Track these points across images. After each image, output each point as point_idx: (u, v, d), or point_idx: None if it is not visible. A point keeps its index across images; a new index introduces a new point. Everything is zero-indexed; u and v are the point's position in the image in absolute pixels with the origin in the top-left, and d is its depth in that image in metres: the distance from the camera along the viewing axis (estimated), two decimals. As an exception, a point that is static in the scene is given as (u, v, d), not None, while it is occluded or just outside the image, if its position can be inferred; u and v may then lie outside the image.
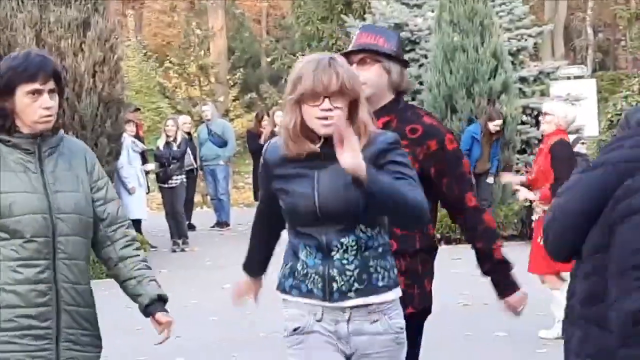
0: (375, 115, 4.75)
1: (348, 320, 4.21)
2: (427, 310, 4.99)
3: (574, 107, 11.10)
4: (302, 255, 4.23)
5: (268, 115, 19.90)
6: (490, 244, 4.94)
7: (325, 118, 4.04)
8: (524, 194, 10.29)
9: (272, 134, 18.13)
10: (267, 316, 11.15)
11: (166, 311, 4.63)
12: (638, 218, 2.60)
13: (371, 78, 4.86)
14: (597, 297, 2.72)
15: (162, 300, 4.62)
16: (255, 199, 19.73)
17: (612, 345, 2.64)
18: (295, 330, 4.27)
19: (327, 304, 4.20)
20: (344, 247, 4.17)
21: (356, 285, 4.17)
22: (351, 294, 4.18)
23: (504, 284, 5.00)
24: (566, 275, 9.59)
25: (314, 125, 4.09)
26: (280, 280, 4.36)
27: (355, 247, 4.17)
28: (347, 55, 4.93)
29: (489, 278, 5.07)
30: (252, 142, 19.61)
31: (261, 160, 4.43)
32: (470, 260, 4.93)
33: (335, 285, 4.17)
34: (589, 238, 2.79)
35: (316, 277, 4.19)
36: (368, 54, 4.89)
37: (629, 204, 2.64)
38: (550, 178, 9.50)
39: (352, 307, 4.19)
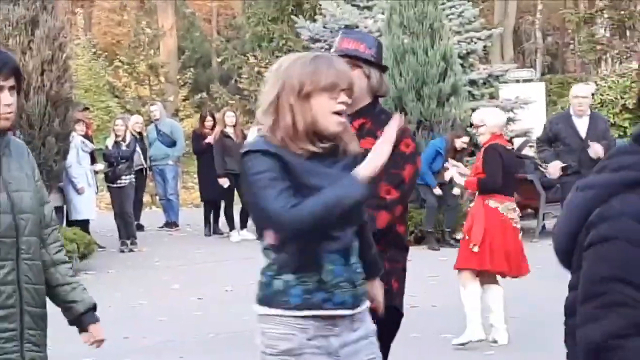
0: (352, 117, 4.84)
1: (337, 335, 4.10)
2: (394, 309, 5.05)
3: (501, 110, 11.17)
4: (326, 263, 4.02)
5: (212, 116, 19.80)
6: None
7: (340, 114, 3.98)
8: (452, 172, 10.49)
9: (222, 134, 18.14)
10: (215, 317, 11.16)
11: (98, 321, 4.60)
12: (600, 247, 2.61)
13: None
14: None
15: (95, 309, 4.60)
16: (202, 199, 19.70)
17: None
18: (284, 350, 4.07)
19: (350, 312, 4.09)
20: (354, 251, 4.13)
21: (363, 288, 4.17)
22: (363, 298, 4.17)
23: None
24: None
25: (327, 121, 3.98)
26: (302, 297, 4.02)
27: (357, 250, 4.15)
28: None
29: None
30: (196, 142, 19.52)
31: (265, 155, 3.99)
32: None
33: (358, 292, 4.11)
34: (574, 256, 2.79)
35: (346, 284, 4.06)
36: (350, 59, 4.93)
37: (594, 234, 2.65)
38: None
39: (345, 316, 4.10)
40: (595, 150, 12.19)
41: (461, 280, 9.51)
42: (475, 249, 9.37)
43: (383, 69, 5.17)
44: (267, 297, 4.10)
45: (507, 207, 9.69)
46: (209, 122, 19.42)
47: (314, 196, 3.86)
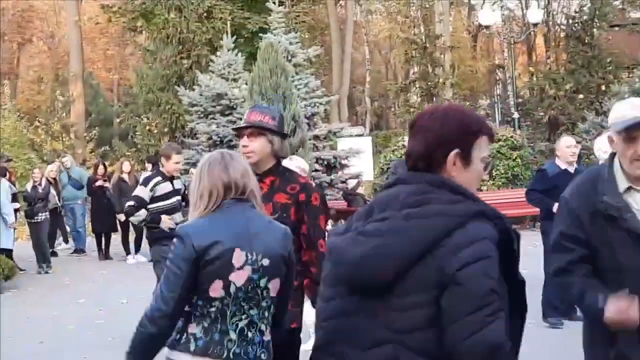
0: (263, 176, 4.91)
1: None
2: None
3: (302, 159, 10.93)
4: None
5: (104, 165, 19.71)
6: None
7: None
8: None
9: (120, 179, 17.99)
10: (114, 325, 10.95)
11: None
12: (476, 266, 2.58)
13: (258, 148, 4.95)
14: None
15: None
16: (93, 231, 19.41)
17: None
18: None
19: None
20: None
21: None
22: None
23: None
24: None
25: None
26: None
27: None
28: (240, 129, 5.06)
29: None
30: (89, 186, 19.21)
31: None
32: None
33: None
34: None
35: None
36: (257, 129, 4.95)
37: (470, 254, 2.60)
38: None
39: None
40: None
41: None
42: None
43: (284, 136, 5.08)
44: None
45: None
46: (100, 170, 19.23)
47: None
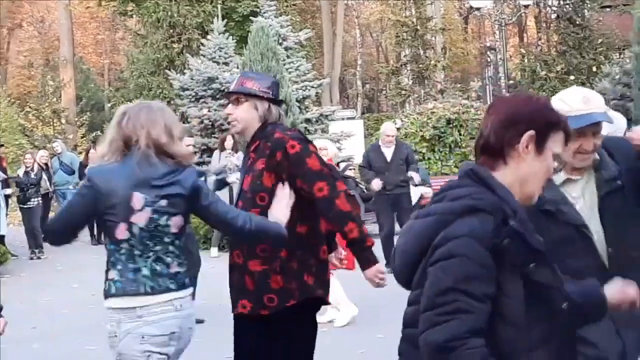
0: (250, 144, 4.78)
1: None
2: (315, 300, 4.72)
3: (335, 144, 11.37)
4: None
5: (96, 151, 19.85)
6: (342, 226, 4.55)
7: None
8: None
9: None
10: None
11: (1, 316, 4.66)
12: (445, 263, 2.51)
13: (241, 114, 4.76)
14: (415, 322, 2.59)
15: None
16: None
17: None
18: None
19: None
20: None
21: None
22: None
23: (361, 259, 4.65)
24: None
25: None
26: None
27: None
28: (229, 95, 4.88)
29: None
30: (81, 171, 19.33)
31: None
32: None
33: None
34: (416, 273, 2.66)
35: None
36: (240, 95, 4.77)
37: (441, 252, 2.53)
38: None
39: None
40: (414, 177, 12.78)
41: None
42: None
43: (273, 101, 4.78)
44: None
45: None
46: (92, 154, 19.29)
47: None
